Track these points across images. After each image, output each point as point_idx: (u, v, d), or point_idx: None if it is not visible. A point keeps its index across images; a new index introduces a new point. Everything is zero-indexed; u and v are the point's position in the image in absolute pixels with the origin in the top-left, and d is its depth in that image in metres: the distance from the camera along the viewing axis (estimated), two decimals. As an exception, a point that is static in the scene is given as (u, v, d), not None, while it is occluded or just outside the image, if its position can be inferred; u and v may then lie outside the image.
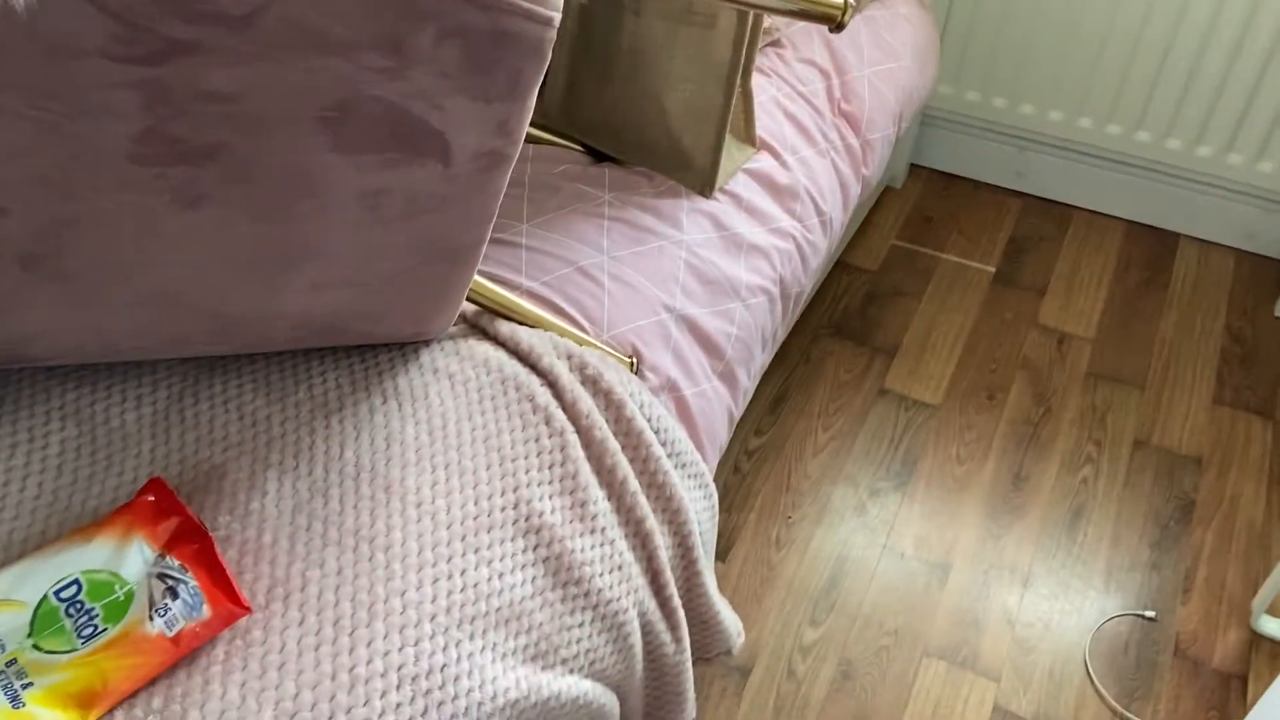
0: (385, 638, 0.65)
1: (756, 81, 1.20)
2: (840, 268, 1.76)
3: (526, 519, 0.75)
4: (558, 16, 0.61)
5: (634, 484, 0.82)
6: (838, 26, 0.67)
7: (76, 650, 0.60)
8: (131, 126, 0.55)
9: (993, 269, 1.76)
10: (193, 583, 0.64)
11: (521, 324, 0.86)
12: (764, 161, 1.14)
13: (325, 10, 0.54)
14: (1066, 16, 1.68)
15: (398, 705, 0.63)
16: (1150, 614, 1.25)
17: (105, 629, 0.61)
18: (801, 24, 1.30)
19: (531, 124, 1.13)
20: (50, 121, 0.53)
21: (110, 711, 0.59)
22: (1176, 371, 1.58)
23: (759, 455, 1.44)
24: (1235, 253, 1.81)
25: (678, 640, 0.87)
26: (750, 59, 1.04)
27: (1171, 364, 1.59)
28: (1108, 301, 1.70)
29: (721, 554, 1.31)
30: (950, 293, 1.71)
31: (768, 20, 1.22)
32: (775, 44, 1.27)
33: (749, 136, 1.13)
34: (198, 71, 0.53)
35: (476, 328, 0.85)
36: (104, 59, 0.51)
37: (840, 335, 1.63)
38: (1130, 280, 1.75)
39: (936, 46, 1.55)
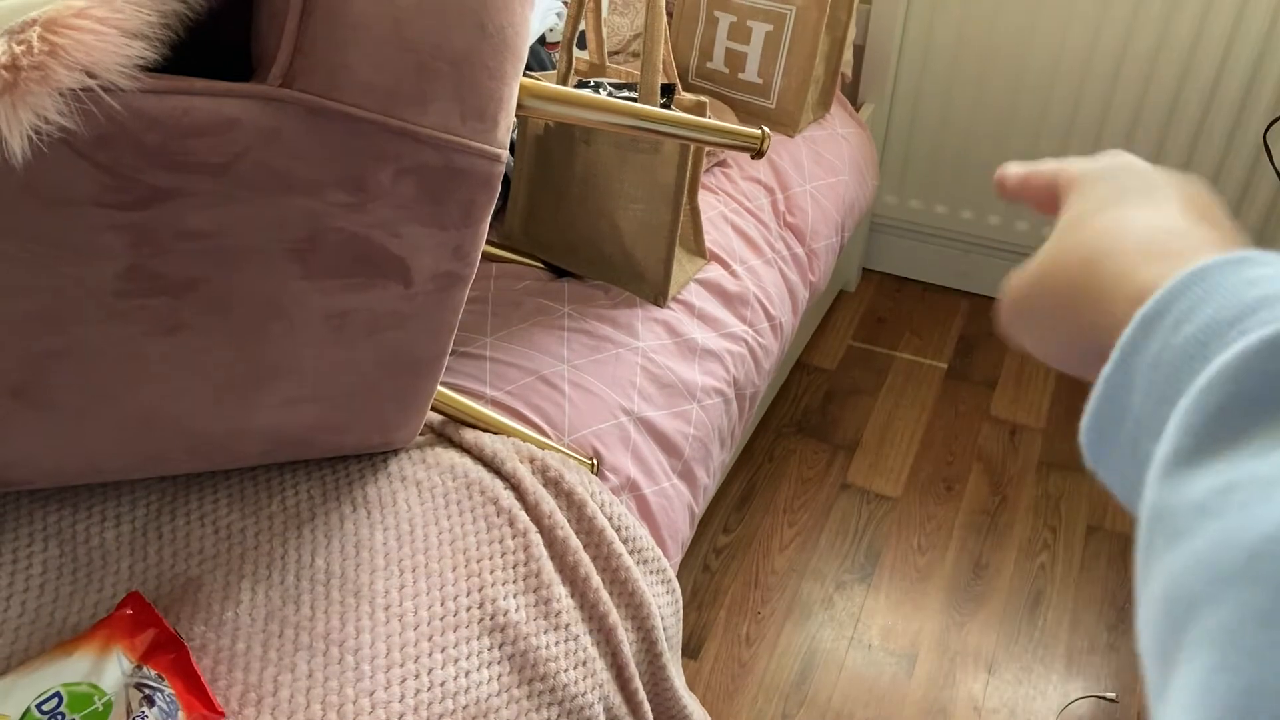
0: (355, 737, 0.68)
1: (705, 198, 1.29)
2: (800, 368, 1.82)
3: (492, 617, 0.78)
4: (505, 154, 0.68)
5: (596, 580, 0.86)
6: (758, 154, 0.74)
7: (56, 759, 0.62)
8: (117, 264, 0.60)
9: (945, 365, 1.84)
10: (169, 691, 0.67)
11: (486, 431, 0.90)
12: (714, 271, 1.21)
13: (294, 155, 0.61)
14: (997, 129, 1.80)
15: (367, 803, 0.66)
16: (1111, 695, 1.28)
17: (84, 738, 0.63)
18: (746, 144, 1.39)
19: (494, 244, 1.20)
20: (42, 262, 0.59)
21: (88, 819, 0.61)
22: (1125, 456, 1.64)
23: (727, 553, 1.47)
24: (1174, 341, 1.89)
25: (644, 735, 0.89)
26: (695, 179, 1.12)
27: (1119, 449, 1.65)
28: (1055, 392, 1.77)
29: (693, 652, 1.33)
30: (905, 389, 1.78)
31: (713, 142, 1.31)
32: (721, 164, 1.36)
33: (699, 249, 1.21)
34: (179, 214, 0.59)
35: (442, 436, 0.90)
36: (94, 206, 0.57)
37: (802, 433, 1.69)
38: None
39: (875, 160, 1.66)
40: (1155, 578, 0.22)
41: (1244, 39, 1.56)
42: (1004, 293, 0.36)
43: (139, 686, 0.67)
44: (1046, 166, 0.40)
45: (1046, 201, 0.39)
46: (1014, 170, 0.41)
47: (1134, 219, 0.31)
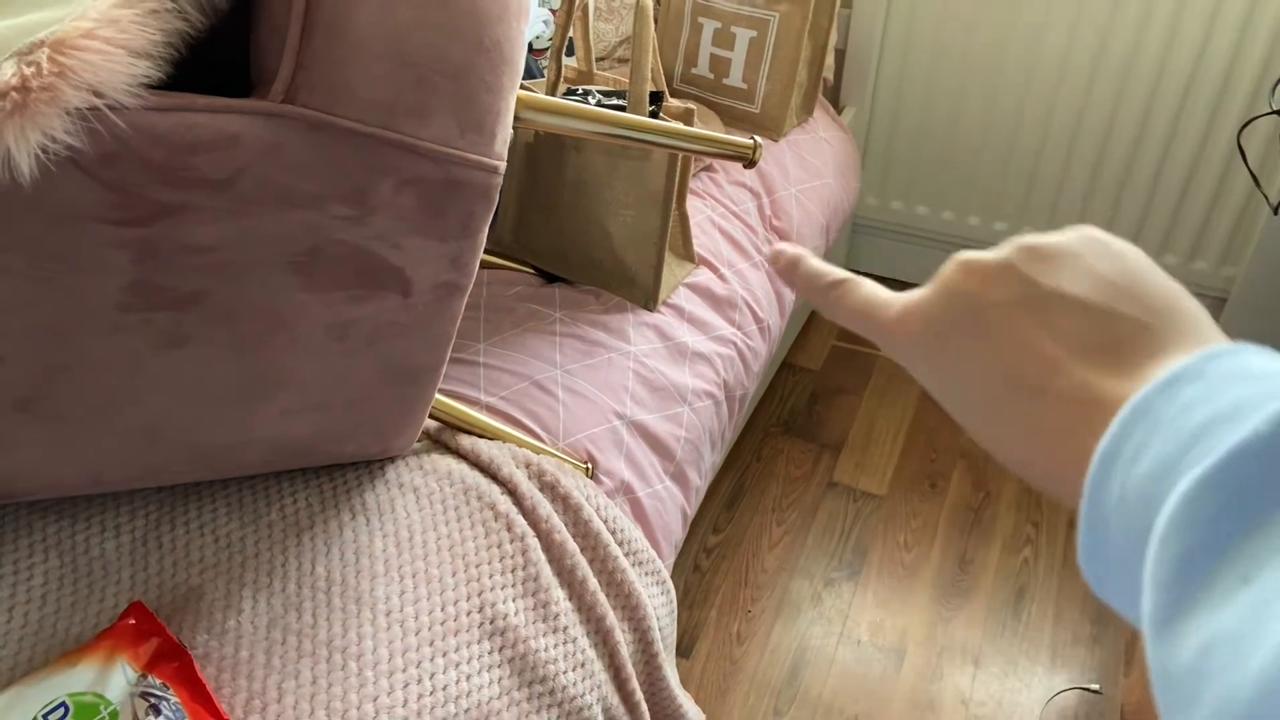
0: (360, 742, 0.69)
1: (692, 204, 1.30)
2: (785, 369, 1.84)
3: (491, 621, 0.79)
4: (503, 165, 0.70)
5: (593, 583, 0.87)
6: (750, 163, 0.76)
7: (66, 769, 0.63)
8: (122, 279, 0.61)
9: (928, 364, 1.86)
10: (174, 699, 0.68)
11: (481, 437, 0.91)
12: (703, 275, 1.22)
13: (296, 170, 0.62)
14: (976, 131, 1.82)
15: (374, 806, 0.67)
16: (1095, 687, 1.30)
17: (93, 747, 0.64)
18: (731, 148, 1.41)
19: (486, 250, 1.21)
20: (48, 278, 0.59)
21: (98, 827, 0.62)
22: (1106, 452, 1.67)
23: (717, 553, 1.49)
24: (1152, 338, 1.92)
25: (641, 734, 0.91)
26: (684, 185, 1.13)
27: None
28: (1037, 389, 1.80)
29: (685, 651, 1.34)
30: (889, 388, 1.80)
31: (699, 147, 1.32)
32: (708, 169, 1.37)
33: (688, 253, 1.22)
34: (183, 229, 0.60)
35: (439, 443, 0.91)
36: (99, 223, 0.58)
37: (789, 433, 1.70)
38: (1057, 368, 1.85)
39: (857, 163, 1.68)
40: None
41: (1217, 40, 1.59)
42: (912, 313, 0.33)
43: (144, 695, 0.67)
44: (862, 293, 0.36)
45: (852, 320, 0.36)
46: (811, 267, 0.38)
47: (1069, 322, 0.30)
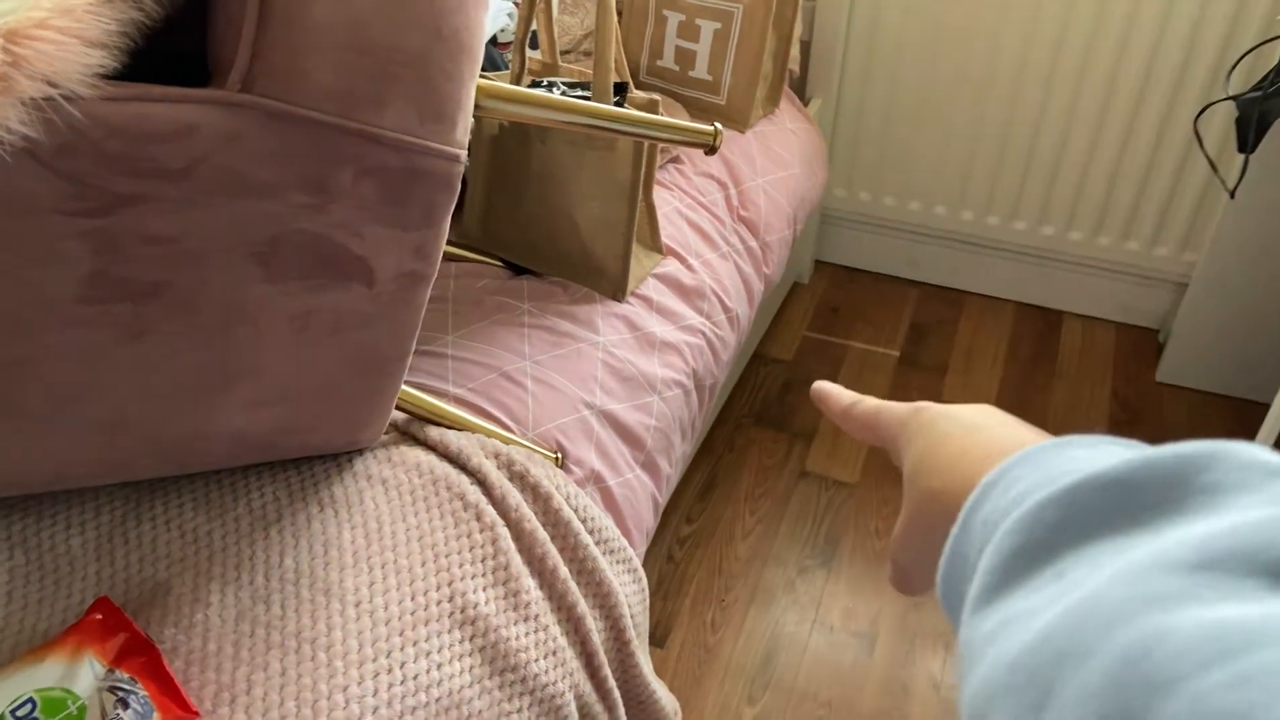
0: (330, 732, 0.69)
1: (659, 194, 1.31)
2: (757, 360, 1.85)
3: (462, 611, 0.80)
4: (464, 153, 0.70)
5: (564, 571, 0.87)
6: (711, 150, 0.76)
7: (32, 764, 0.62)
8: (80, 271, 0.61)
9: (897, 353, 1.87)
10: (143, 693, 0.67)
11: (450, 428, 0.91)
12: (671, 266, 1.23)
13: (255, 159, 0.62)
14: (941, 122, 1.84)
15: (345, 795, 0.67)
16: (1065, 666, 1.32)
17: (59, 742, 0.63)
18: (697, 140, 1.41)
19: (453, 243, 1.21)
20: (5, 270, 0.59)
21: (66, 821, 0.61)
22: (1072, 437, 1.69)
23: (690, 542, 1.50)
24: (1115, 325, 1.95)
25: (614, 721, 0.91)
26: (650, 175, 1.14)
27: (1064, 431, 1.70)
28: (1003, 376, 1.82)
29: (659, 640, 1.35)
30: (860, 377, 1.82)
31: (665, 139, 1.33)
32: (675, 160, 1.38)
33: (655, 244, 1.23)
34: (141, 219, 0.60)
35: (407, 434, 0.91)
36: (56, 214, 0.57)
37: (761, 423, 1.71)
38: (1022, 356, 1.88)
39: (824, 154, 1.69)
40: (964, 701, 0.25)
41: (1174, 29, 1.61)
42: (891, 552, 0.40)
43: (112, 690, 0.67)
44: (868, 404, 0.45)
45: (864, 432, 0.45)
46: (836, 397, 0.47)
47: (978, 437, 0.36)
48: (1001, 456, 0.32)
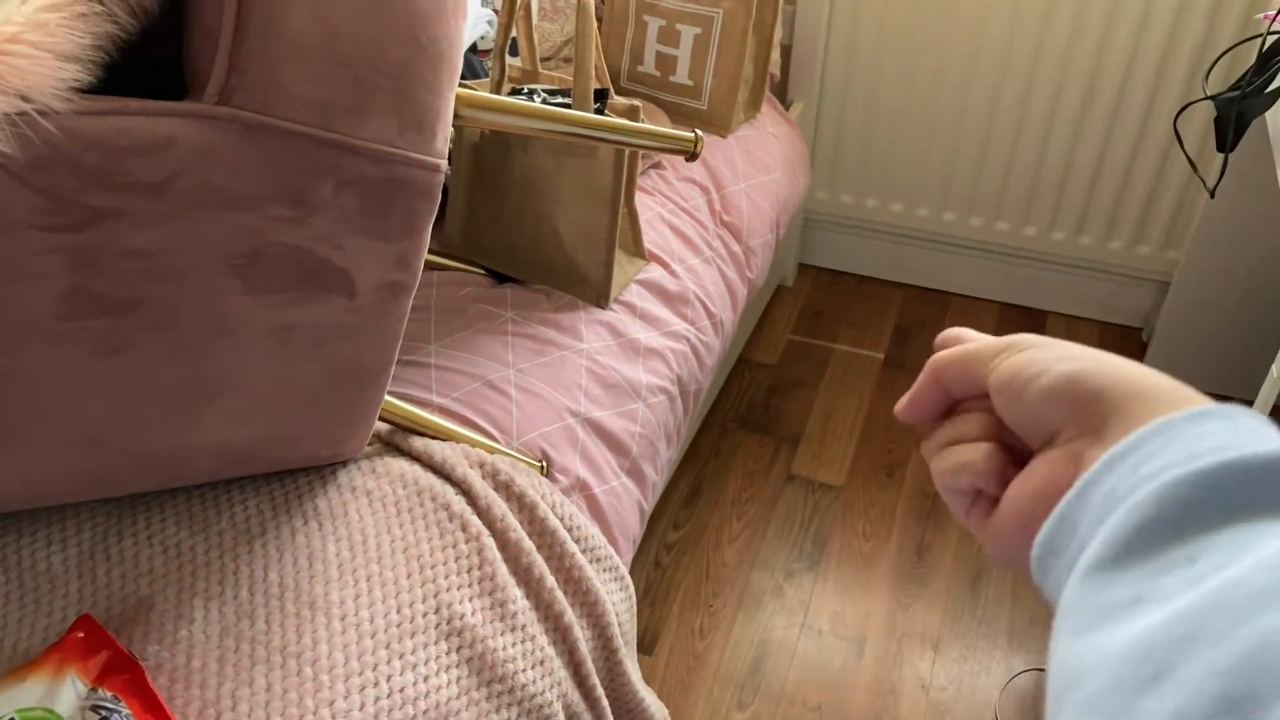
0: (317, 747, 0.68)
1: (642, 200, 1.31)
2: (742, 364, 1.85)
3: (449, 622, 0.79)
4: (444, 163, 0.70)
5: (551, 581, 0.87)
6: (692, 156, 0.76)
7: (13, 786, 0.62)
8: (57, 287, 0.60)
9: (882, 355, 1.88)
10: (126, 711, 0.67)
11: (434, 438, 0.91)
12: (654, 272, 1.23)
13: (233, 172, 0.61)
14: (922, 124, 1.85)
15: (332, 811, 0.66)
16: (1052, 666, 1.33)
17: (41, 763, 0.63)
18: (680, 145, 1.41)
19: (435, 252, 1.20)
20: (-19, 286, 0.58)
21: (49, 844, 0.61)
22: (1057, 436, 1.70)
23: (678, 549, 1.49)
24: (1098, 325, 1.96)
25: (603, 730, 0.91)
26: (631, 182, 1.14)
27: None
28: (989, 377, 1.83)
29: (648, 648, 1.35)
30: (845, 380, 1.82)
31: (647, 144, 1.33)
32: (657, 166, 1.38)
33: (638, 250, 1.22)
34: (118, 234, 0.60)
35: (391, 445, 0.90)
36: (32, 229, 0.57)
37: (747, 428, 1.71)
38: (1007, 355, 1.88)
39: (805, 158, 1.69)
40: (1054, 664, 0.25)
41: (1152, 30, 1.62)
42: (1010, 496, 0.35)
43: (95, 709, 0.66)
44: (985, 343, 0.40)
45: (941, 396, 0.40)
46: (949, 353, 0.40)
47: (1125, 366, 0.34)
48: (1158, 406, 0.30)
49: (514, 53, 1.23)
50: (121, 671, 0.69)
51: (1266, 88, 1.14)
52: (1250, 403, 1.72)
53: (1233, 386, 1.79)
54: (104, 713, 0.66)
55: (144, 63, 0.63)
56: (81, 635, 0.70)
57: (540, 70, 1.16)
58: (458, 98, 0.76)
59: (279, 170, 0.62)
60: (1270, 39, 1.16)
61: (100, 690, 0.67)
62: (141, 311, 0.63)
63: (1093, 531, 0.28)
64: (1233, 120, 1.15)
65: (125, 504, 0.82)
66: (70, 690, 0.67)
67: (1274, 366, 1.01)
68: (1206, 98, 1.25)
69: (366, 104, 0.64)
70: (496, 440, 0.96)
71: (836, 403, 1.77)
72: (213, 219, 0.62)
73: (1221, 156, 1.28)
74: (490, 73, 1.15)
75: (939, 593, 1.43)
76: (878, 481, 1.61)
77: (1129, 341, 1.92)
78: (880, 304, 2.01)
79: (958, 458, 0.37)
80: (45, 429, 0.67)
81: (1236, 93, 1.14)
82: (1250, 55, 1.25)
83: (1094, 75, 1.70)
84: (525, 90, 1.11)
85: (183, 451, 0.75)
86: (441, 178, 0.69)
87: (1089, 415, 0.32)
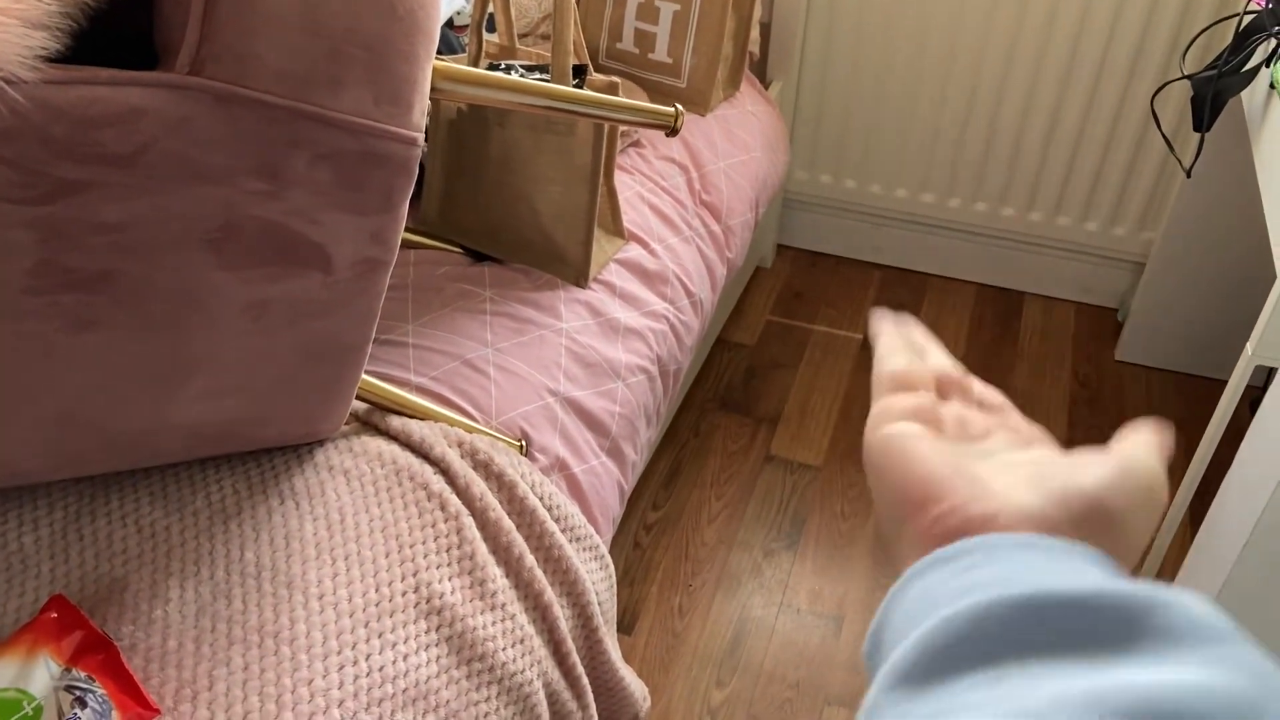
0: (295, 726, 0.68)
1: (620, 179, 1.30)
2: (720, 345, 1.85)
3: (427, 601, 0.79)
4: (421, 137, 0.69)
5: (530, 560, 0.87)
6: (672, 131, 0.76)
7: (-14, 767, 0.61)
8: (26, 261, 0.59)
9: (860, 336, 1.88)
10: (100, 691, 0.66)
11: (412, 417, 0.90)
12: (633, 251, 1.22)
13: (205, 144, 0.60)
14: (901, 105, 1.85)
15: (311, 789, 0.66)
16: (1028, 642, 1.34)
17: (14, 744, 0.62)
18: (659, 124, 1.40)
19: (412, 230, 1.19)
20: (-54, 260, 0.57)
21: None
22: (1032, 416, 1.70)
23: (657, 529, 1.49)
24: (1075, 305, 1.97)
25: (584, 707, 0.91)
26: (610, 160, 1.13)
27: (1026, 409, 1.72)
28: (966, 358, 1.84)
29: (627, 627, 1.35)
30: (823, 361, 1.82)
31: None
32: (635, 144, 1.37)
33: (617, 229, 1.22)
34: (88, 207, 0.58)
35: (369, 425, 0.89)
36: (1, 202, 0.55)
37: (726, 408, 1.71)
38: (984, 337, 1.89)
39: (785, 137, 1.69)
40: None
41: (1130, 10, 1.63)
42: (891, 432, 0.36)
43: (69, 689, 0.66)
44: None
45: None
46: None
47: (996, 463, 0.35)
48: (967, 525, 0.31)
49: (491, 29, 1.21)
50: (96, 652, 0.68)
51: (1243, 67, 1.15)
52: (1223, 383, 1.74)
53: (1206, 367, 1.81)
54: (78, 693, 0.65)
55: (114, 32, 0.62)
56: (55, 615, 0.69)
57: (518, 46, 1.15)
58: (435, 70, 0.75)
59: (252, 142, 0.61)
60: (1247, 18, 1.16)
61: (74, 671, 0.67)
62: (113, 286, 0.62)
63: (905, 626, 0.29)
64: (1209, 100, 1.15)
65: (98, 483, 0.80)
66: (44, 671, 0.66)
67: (1248, 345, 1.02)
68: (1184, 77, 1.25)
69: (342, 75, 0.63)
70: (475, 419, 0.96)
71: (815, 384, 1.77)
72: (185, 192, 0.61)
73: (1198, 136, 1.29)
74: (467, 48, 1.13)
75: (916, 571, 1.44)
76: (856, 462, 1.62)
77: (1104, 322, 1.93)
78: (859, 285, 2.02)
79: (889, 402, 0.38)
80: (15, 406, 0.66)
81: (1213, 72, 1.15)
82: (1227, 34, 1.25)
83: (1072, 55, 1.70)
84: (503, 66, 1.09)
85: (156, 430, 0.74)
86: (419, 152, 0.68)
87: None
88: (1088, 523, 0.31)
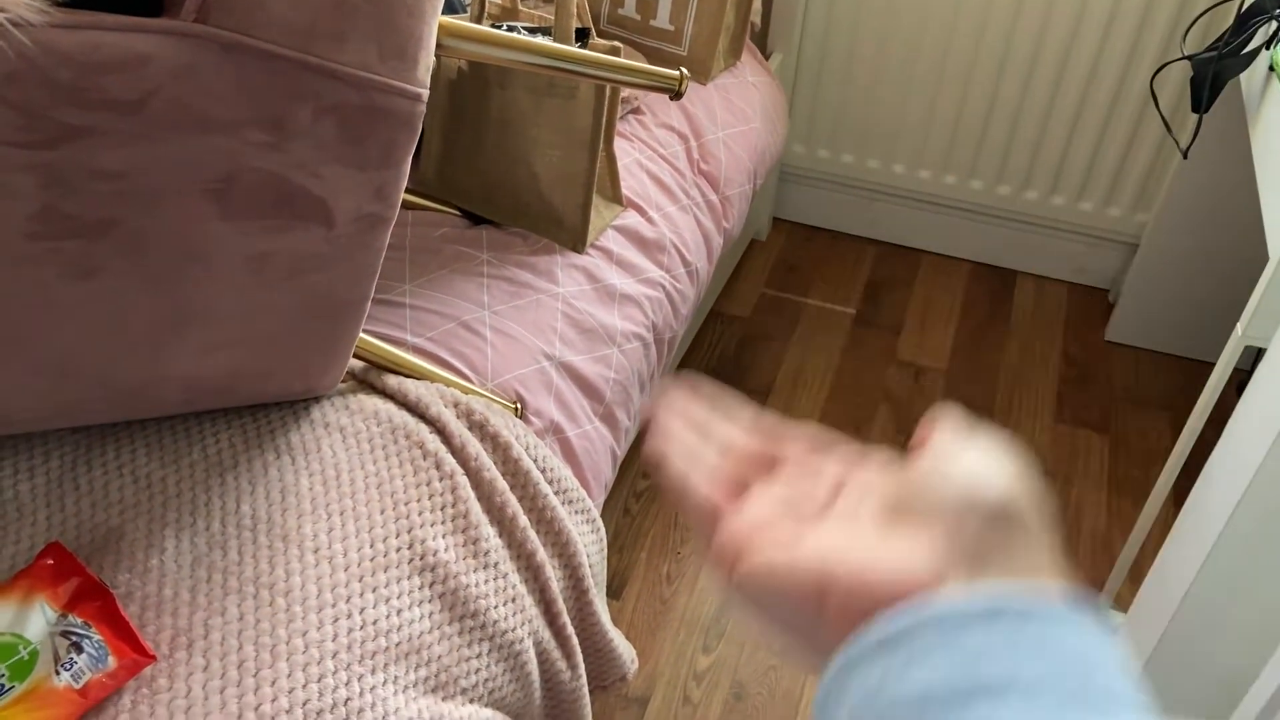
0: (289, 676, 0.69)
1: (620, 145, 1.30)
2: (714, 316, 1.86)
3: (421, 558, 0.79)
4: (425, 92, 0.68)
5: (523, 520, 0.87)
6: (676, 95, 0.76)
7: (-16, 708, 0.62)
8: (28, 206, 0.59)
9: (853, 311, 1.89)
10: (96, 637, 0.67)
11: (409, 377, 0.91)
12: (631, 218, 1.22)
13: (210, 93, 0.60)
14: (901, 80, 1.84)
15: (305, 737, 0.67)
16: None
17: (12, 686, 0.63)
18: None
19: (410, 191, 1.19)
20: (-52, 203, 0.57)
21: (20, 765, 0.61)
22: (1021, 395, 1.72)
23: (647, 496, 1.50)
24: (1067, 285, 1.98)
25: (573, 667, 0.92)
26: (611, 125, 1.13)
27: (1016, 389, 1.74)
28: (957, 335, 1.85)
29: (615, 592, 1.36)
30: (816, 335, 1.83)
31: (625, 90, 1.31)
32: (635, 111, 1.37)
33: (616, 195, 1.22)
34: (91, 153, 0.58)
35: (365, 383, 0.90)
36: (3, 145, 0.55)
37: (718, 379, 1.72)
38: (976, 315, 1.90)
39: (784, 109, 1.69)
40: None
41: (1132, -8, 1.63)
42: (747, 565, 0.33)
43: (65, 634, 0.66)
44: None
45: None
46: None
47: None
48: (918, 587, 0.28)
49: (494, -10, 1.20)
50: (92, 599, 0.69)
51: (1244, 49, 1.15)
52: (1212, 365, 1.76)
53: (1195, 350, 1.82)
54: (74, 638, 0.66)
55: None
56: (51, 562, 0.70)
57: (520, 8, 1.14)
58: (441, 26, 0.75)
59: (256, 93, 0.61)
60: (1249, 0, 1.16)
61: (70, 616, 0.67)
62: (114, 234, 0.62)
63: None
64: (1209, 81, 1.16)
65: (95, 433, 0.81)
66: (40, 616, 0.66)
67: (1238, 326, 1.03)
68: (1184, 57, 1.25)
69: (347, 28, 0.62)
70: (471, 381, 0.96)
71: (807, 357, 1.78)
72: (188, 141, 0.61)
73: (1196, 117, 1.29)
74: (469, 8, 1.13)
75: (903, 543, 1.45)
76: (846, 435, 1.63)
77: (1096, 303, 1.94)
78: (853, 260, 2.02)
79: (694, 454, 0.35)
80: (12, 354, 0.66)
81: (1214, 53, 1.15)
82: (1229, 15, 1.25)
83: (1073, 34, 1.70)
84: (505, 26, 1.09)
85: (154, 381, 0.74)
86: (423, 108, 0.68)
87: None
88: (986, 538, 0.29)
